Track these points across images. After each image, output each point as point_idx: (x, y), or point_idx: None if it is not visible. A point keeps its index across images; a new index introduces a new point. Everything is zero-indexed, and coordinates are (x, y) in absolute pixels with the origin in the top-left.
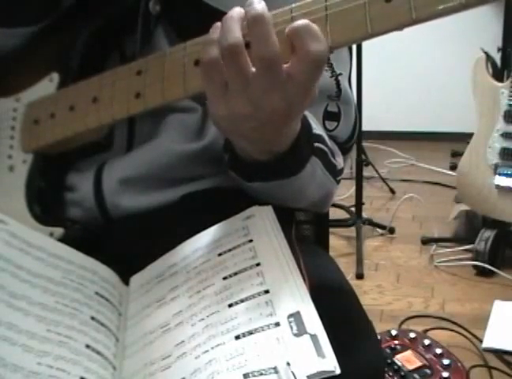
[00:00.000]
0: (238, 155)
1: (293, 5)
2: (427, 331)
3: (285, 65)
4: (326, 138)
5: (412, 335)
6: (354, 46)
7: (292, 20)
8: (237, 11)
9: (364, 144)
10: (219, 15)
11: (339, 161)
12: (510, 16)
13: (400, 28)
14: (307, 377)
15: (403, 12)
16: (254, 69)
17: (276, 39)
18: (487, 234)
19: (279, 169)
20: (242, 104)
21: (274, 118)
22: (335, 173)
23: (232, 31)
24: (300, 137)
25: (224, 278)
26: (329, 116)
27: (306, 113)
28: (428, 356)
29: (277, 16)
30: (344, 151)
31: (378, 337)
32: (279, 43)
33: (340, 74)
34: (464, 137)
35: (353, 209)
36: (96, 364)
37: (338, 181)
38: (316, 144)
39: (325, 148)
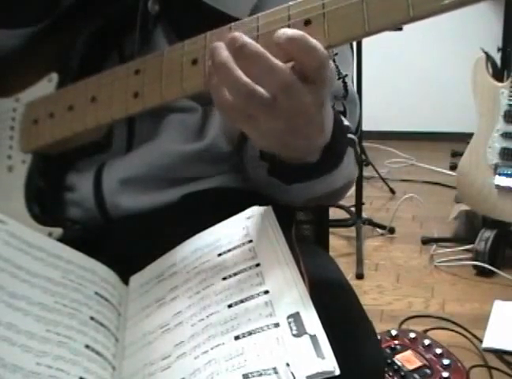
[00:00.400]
0: (280, 162)
1: (290, 2)
2: (427, 331)
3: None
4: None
5: (412, 335)
6: (354, 46)
7: (289, 19)
8: (224, 53)
9: (364, 144)
10: (218, 15)
11: None
12: (510, 16)
13: (398, 25)
14: (307, 377)
15: (400, 9)
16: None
17: (281, 65)
18: (487, 234)
19: (323, 165)
20: (274, 122)
21: (309, 112)
22: (358, 161)
23: (239, 79)
24: (336, 130)
25: (224, 278)
26: None
27: None
28: (428, 356)
29: (275, 14)
30: None
31: (378, 337)
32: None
33: (346, 75)
34: (465, 137)
35: (353, 209)
36: (96, 364)
37: None
38: (349, 136)
39: (355, 138)
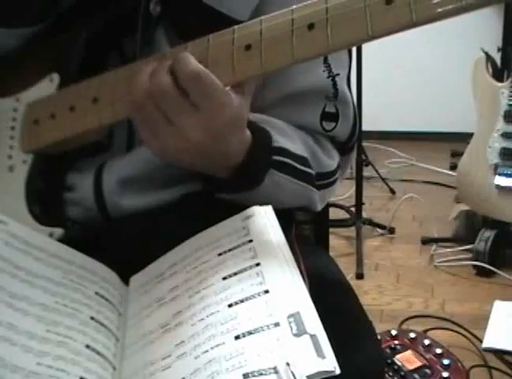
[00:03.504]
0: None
1: (294, 6)
2: (427, 331)
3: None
4: (293, 149)
5: (412, 335)
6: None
7: (293, 23)
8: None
9: (364, 144)
10: (219, 16)
11: (329, 163)
12: (510, 16)
13: (401, 30)
14: (307, 377)
15: (403, 14)
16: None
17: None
18: (487, 234)
19: (235, 184)
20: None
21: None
22: (311, 180)
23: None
24: (254, 151)
25: (224, 278)
26: (327, 117)
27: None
28: (428, 356)
29: (278, 17)
30: (346, 151)
31: (378, 337)
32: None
33: (338, 74)
34: (465, 137)
35: (353, 209)
36: (96, 364)
37: (332, 183)
38: (276, 158)
39: (288, 160)
